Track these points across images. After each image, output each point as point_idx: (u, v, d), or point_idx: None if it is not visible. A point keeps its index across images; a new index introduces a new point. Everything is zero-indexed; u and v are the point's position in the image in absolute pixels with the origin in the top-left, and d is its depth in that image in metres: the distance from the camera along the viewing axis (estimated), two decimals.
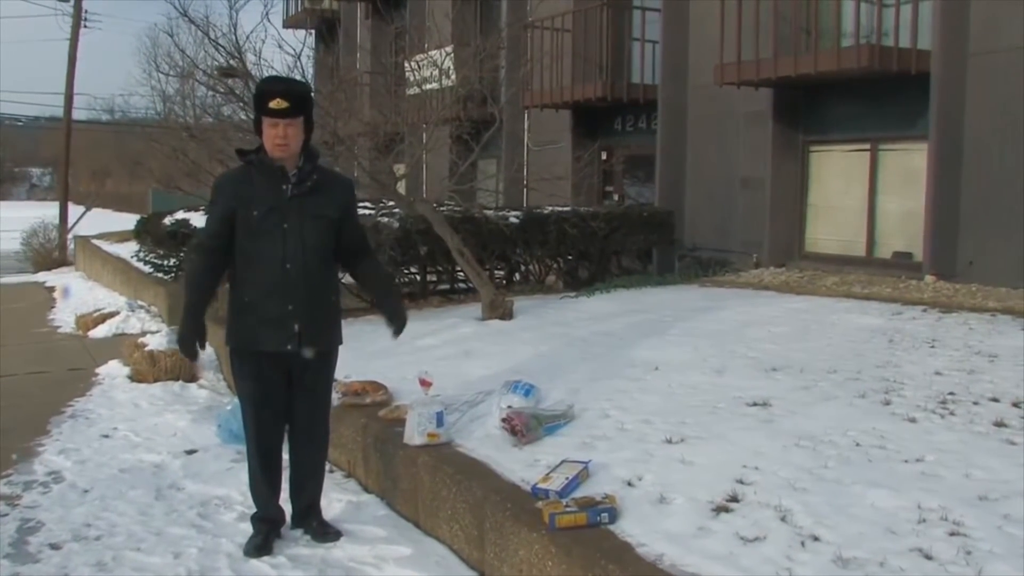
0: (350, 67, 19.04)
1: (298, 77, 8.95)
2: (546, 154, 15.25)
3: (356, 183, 8.01)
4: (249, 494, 4.41)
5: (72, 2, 26.70)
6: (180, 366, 7.69)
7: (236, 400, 5.30)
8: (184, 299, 4.25)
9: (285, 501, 4.44)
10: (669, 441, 4.32)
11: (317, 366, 4.28)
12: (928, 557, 3.02)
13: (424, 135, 10.16)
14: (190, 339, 4.16)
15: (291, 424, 4.39)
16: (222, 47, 8.82)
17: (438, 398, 4.78)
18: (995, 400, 4.80)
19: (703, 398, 5.06)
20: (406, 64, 12.46)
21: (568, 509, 3.51)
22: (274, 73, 8.07)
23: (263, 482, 4.30)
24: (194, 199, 13.80)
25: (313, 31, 22.68)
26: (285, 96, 4.04)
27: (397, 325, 4.42)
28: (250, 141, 9.10)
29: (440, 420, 4.63)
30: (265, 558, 4.12)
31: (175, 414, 6.67)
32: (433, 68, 12.00)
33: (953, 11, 9.77)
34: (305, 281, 4.12)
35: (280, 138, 4.05)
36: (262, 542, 4.21)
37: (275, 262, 4.07)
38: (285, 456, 4.42)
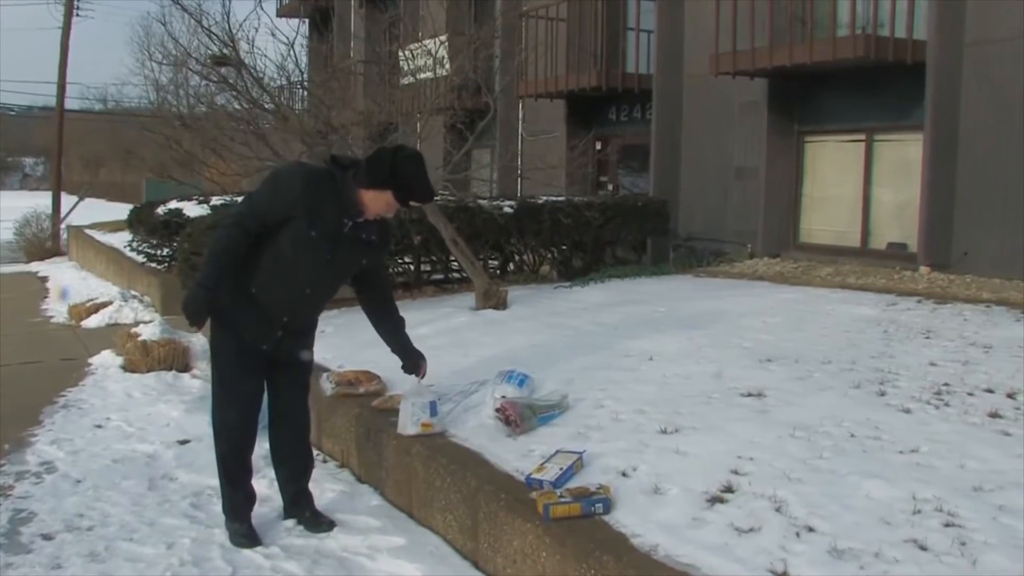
0: (344, 56, 19.01)
1: (291, 65, 8.93)
2: (540, 143, 15.20)
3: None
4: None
5: None
6: (173, 356, 7.67)
7: None
8: (205, 268, 4.03)
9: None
10: (663, 431, 4.32)
11: (300, 356, 4.33)
12: (923, 548, 3.02)
13: (418, 124, 10.12)
14: (203, 310, 4.00)
15: (274, 413, 4.38)
16: (215, 36, 8.76)
17: (432, 388, 4.76)
18: (990, 391, 4.80)
19: (697, 388, 5.05)
20: (400, 53, 12.42)
21: (562, 499, 3.50)
22: (277, 64, 7.98)
23: (244, 466, 4.26)
24: (187, 188, 13.76)
25: (307, 19, 22.55)
26: (429, 202, 4.11)
27: (423, 370, 4.57)
28: (244, 130, 9.11)
29: (433, 410, 4.62)
30: (258, 548, 4.11)
31: (168, 404, 6.64)
32: (427, 57, 11.96)
33: (949, 1, 9.75)
34: (312, 305, 4.23)
35: (388, 214, 4.08)
36: (249, 529, 4.21)
37: (302, 283, 4.06)
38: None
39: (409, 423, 4.61)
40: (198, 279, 4.02)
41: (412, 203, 4.17)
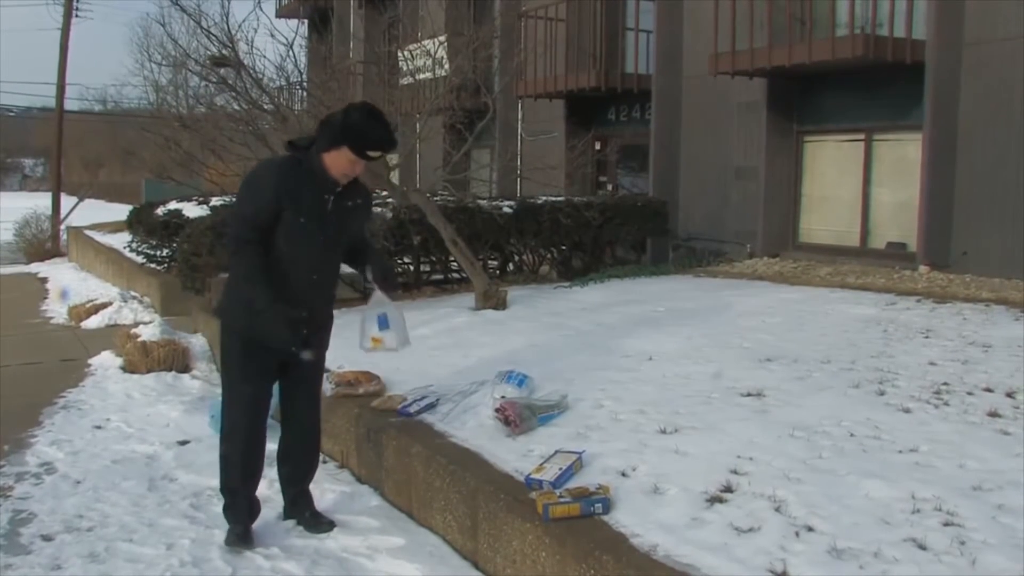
0: (343, 56, 19.00)
1: (290, 66, 8.94)
2: (540, 144, 15.22)
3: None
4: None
5: None
6: (173, 357, 7.67)
7: None
8: (250, 294, 3.96)
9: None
10: (663, 431, 4.32)
11: (313, 361, 4.31)
12: (922, 547, 3.02)
13: (417, 125, 10.13)
14: (282, 323, 3.93)
15: (286, 416, 4.38)
16: (214, 36, 8.77)
17: (390, 305, 4.37)
18: (989, 390, 4.81)
19: (697, 388, 5.05)
20: (399, 53, 12.43)
21: (562, 499, 3.50)
22: (276, 64, 7.99)
23: (247, 472, 4.23)
24: (187, 189, 13.78)
25: (306, 20, 22.57)
26: (388, 150, 3.98)
27: (389, 282, 4.38)
28: (243, 130, 9.12)
29: (383, 323, 4.32)
30: (258, 549, 4.10)
31: (168, 404, 6.65)
32: (426, 57, 11.98)
33: (948, 2, 9.75)
34: (323, 291, 4.17)
35: (355, 173, 4.02)
36: (244, 532, 4.17)
37: (305, 271, 4.04)
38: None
39: (361, 339, 4.43)
40: (256, 307, 3.93)
41: (370, 153, 3.98)
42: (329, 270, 4.20)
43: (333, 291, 4.33)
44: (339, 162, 3.95)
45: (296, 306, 4.04)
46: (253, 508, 4.28)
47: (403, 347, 4.36)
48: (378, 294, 4.26)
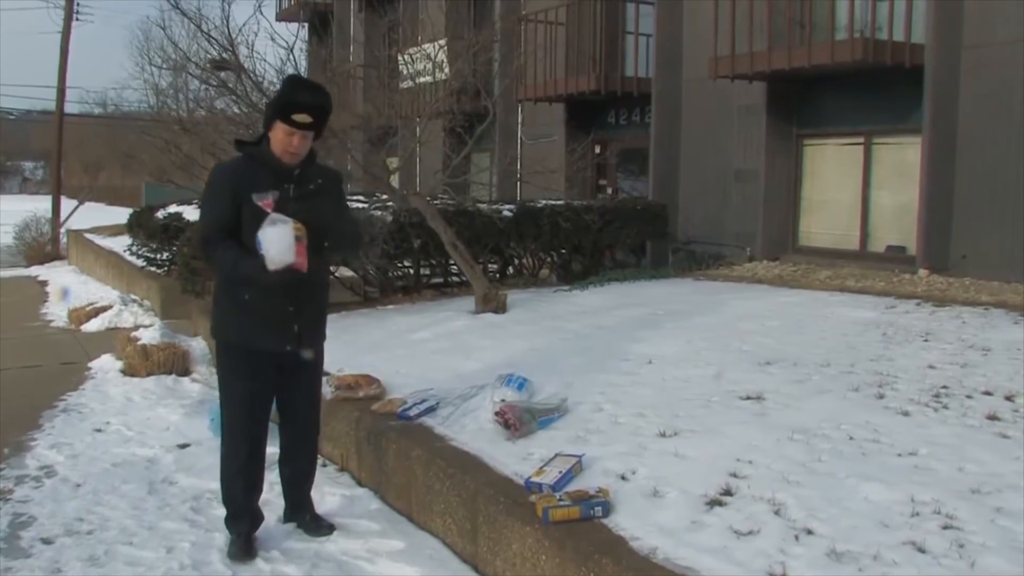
0: (343, 60, 19.03)
1: (290, 69, 8.94)
2: (539, 147, 15.23)
3: (349, 176, 8.01)
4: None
5: None
6: (173, 360, 7.67)
7: None
8: (241, 268, 3.92)
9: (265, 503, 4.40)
10: (663, 435, 4.32)
11: (311, 361, 4.29)
12: (921, 550, 3.02)
13: (417, 128, 10.15)
14: (258, 271, 3.84)
15: (285, 418, 4.37)
16: (215, 40, 8.80)
17: (270, 224, 3.90)
18: (988, 394, 4.81)
19: (696, 391, 5.05)
20: (399, 57, 12.45)
21: (561, 503, 3.50)
22: (276, 68, 8.03)
23: (248, 481, 4.21)
24: (187, 192, 13.79)
25: (306, 24, 22.59)
26: (313, 112, 3.95)
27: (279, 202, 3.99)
28: (243, 134, 9.13)
29: (259, 244, 3.87)
30: (259, 552, 4.10)
31: (168, 408, 6.65)
32: (426, 61, 11.99)
33: (947, 4, 9.76)
34: (307, 281, 4.05)
35: (293, 147, 3.97)
36: (245, 543, 4.14)
37: None
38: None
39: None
40: (249, 276, 3.90)
41: (296, 118, 3.90)
42: (308, 259, 4.00)
43: (320, 279, 4.26)
44: (277, 138, 3.96)
45: (280, 302, 4.01)
46: (255, 519, 4.26)
47: (277, 265, 3.89)
48: (271, 215, 3.95)
